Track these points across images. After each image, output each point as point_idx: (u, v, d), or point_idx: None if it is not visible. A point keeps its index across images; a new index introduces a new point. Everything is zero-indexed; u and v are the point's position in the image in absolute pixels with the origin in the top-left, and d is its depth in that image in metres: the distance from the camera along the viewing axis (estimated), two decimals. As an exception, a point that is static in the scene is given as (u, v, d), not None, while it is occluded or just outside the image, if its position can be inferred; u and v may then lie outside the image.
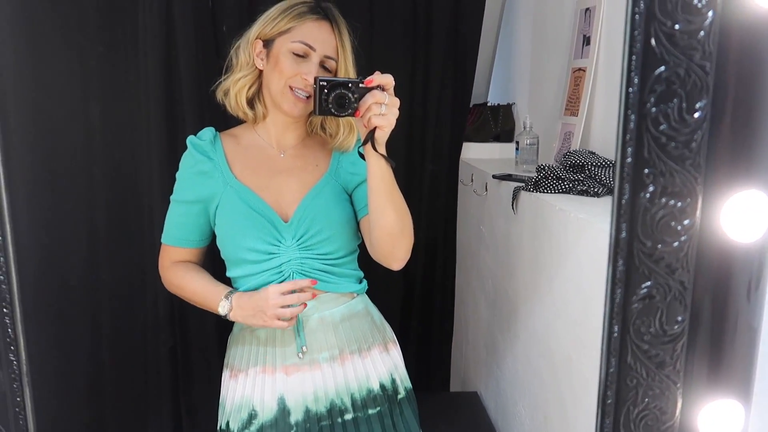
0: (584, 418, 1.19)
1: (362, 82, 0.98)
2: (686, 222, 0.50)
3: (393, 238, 1.08)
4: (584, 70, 1.66)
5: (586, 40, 1.66)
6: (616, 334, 0.53)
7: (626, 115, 0.49)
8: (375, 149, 1.00)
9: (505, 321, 1.70)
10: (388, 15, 2.02)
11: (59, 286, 2.07)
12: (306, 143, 1.22)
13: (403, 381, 1.25)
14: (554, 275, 1.34)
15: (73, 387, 2.19)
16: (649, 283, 0.52)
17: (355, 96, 0.98)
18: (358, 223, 1.19)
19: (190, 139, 1.18)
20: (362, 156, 1.04)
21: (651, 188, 0.50)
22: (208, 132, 1.19)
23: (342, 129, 1.18)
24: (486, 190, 1.88)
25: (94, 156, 1.94)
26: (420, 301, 2.29)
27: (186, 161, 1.18)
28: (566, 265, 1.27)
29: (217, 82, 1.20)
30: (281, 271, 1.14)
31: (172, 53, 1.84)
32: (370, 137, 1.00)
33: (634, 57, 0.46)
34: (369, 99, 0.97)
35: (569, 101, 1.75)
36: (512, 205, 1.60)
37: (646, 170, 0.50)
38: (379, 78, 0.98)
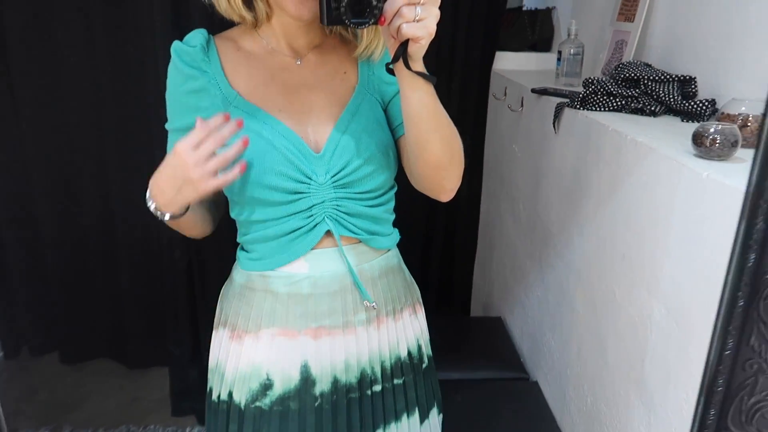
0: (626, 358, 1.10)
1: None
2: None
3: (440, 171, 0.86)
4: (645, -32, 1.44)
5: (651, -68, 1.43)
6: (739, 310, 0.41)
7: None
8: (409, 68, 0.75)
9: (537, 248, 1.59)
10: None
11: (73, 206, 2.04)
12: (326, 47, 0.96)
13: (427, 348, 1.09)
14: (600, 204, 1.21)
15: (92, 303, 2.19)
16: (794, 247, 0.39)
17: None
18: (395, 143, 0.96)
19: (175, 48, 0.90)
20: (391, 72, 0.78)
21: (821, 120, 0.36)
22: (197, 36, 0.91)
23: (367, 33, 0.93)
24: (522, 105, 1.71)
25: (98, 68, 1.81)
26: (443, 221, 2.18)
27: (172, 78, 0.91)
28: (616, 193, 1.14)
29: None
30: (311, 215, 0.90)
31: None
32: (402, 52, 0.74)
33: None
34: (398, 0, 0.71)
35: (624, 5, 1.54)
36: (554, 123, 1.44)
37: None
38: None
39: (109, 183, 2.02)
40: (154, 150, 1.92)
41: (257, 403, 0.94)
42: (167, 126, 0.94)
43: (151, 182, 0.84)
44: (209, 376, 1.02)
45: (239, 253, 1.00)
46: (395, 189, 1.00)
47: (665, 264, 0.97)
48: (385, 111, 0.96)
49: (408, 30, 0.71)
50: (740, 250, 0.41)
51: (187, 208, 0.87)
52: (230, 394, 0.96)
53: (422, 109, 0.79)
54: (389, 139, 0.94)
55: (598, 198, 1.22)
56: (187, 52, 0.89)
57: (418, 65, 0.76)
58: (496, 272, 1.99)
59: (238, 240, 0.99)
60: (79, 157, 1.99)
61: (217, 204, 1.01)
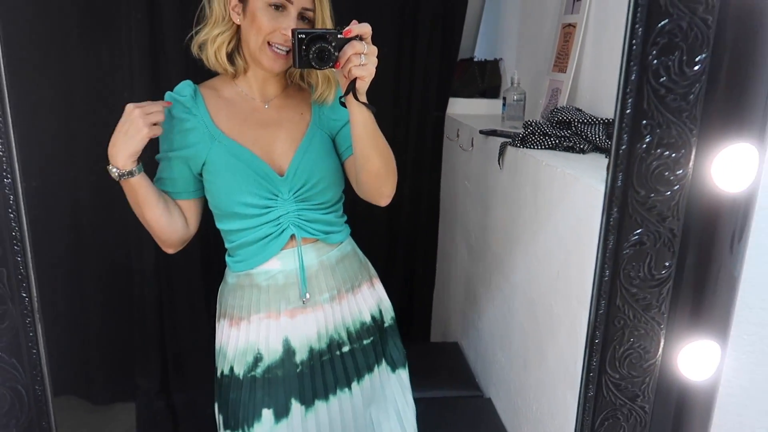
0: (562, 362, 1.24)
1: (341, 33, 0.97)
2: (679, 172, 0.53)
3: (379, 179, 1.12)
4: (574, 26, 1.66)
5: (578, -4, 1.66)
6: (606, 278, 0.56)
7: (628, 67, 0.50)
8: (356, 99, 1.01)
9: (488, 274, 1.74)
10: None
11: (38, 238, 2.07)
12: (288, 93, 1.21)
13: (389, 311, 1.33)
14: (538, 229, 1.37)
15: (59, 337, 2.22)
16: (640, 231, 0.55)
17: (335, 47, 0.97)
18: (342, 165, 1.22)
19: (169, 97, 1.14)
20: (343, 104, 1.04)
21: (648, 139, 0.52)
22: (186, 87, 1.15)
23: (321, 83, 1.17)
24: (472, 145, 1.90)
25: (77, 114, 1.92)
26: (402, 254, 2.32)
27: (166, 122, 1.13)
28: (550, 218, 1.31)
29: (189, 35, 1.15)
30: (279, 224, 1.15)
31: (156, 9, 1.80)
32: (351, 88, 0.99)
33: (639, 9, 0.48)
34: (348, 50, 0.96)
35: (558, 57, 1.75)
36: (498, 160, 1.62)
37: (644, 121, 0.51)
38: (357, 28, 0.98)
39: (76, 216, 2.07)
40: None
41: (252, 373, 1.16)
42: (158, 156, 1.16)
43: (109, 149, 1.04)
44: (216, 358, 1.24)
45: (228, 260, 1.22)
46: (343, 199, 1.25)
47: (590, 275, 1.13)
48: (334, 141, 1.22)
49: (355, 71, 0.97)
50: (603, 235, 0.56)
51: (139, 171, 1.05)
52: (231, 369, 1.18)
53: (365, 129, 1.05)
54: (336, 163, 1.20)
55: (536, 224, 1.39)
56: (179, 100, 1.13)
57: (363, 97, 1.01)
58: (453, 300, 2.14)
59: (226, 246, 1.21)
60: (48, 191, 2.01)
61: (182, 215, 1.17)
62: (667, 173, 0.53)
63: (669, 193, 0.53)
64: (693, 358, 0.59)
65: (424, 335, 2.38)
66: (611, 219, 0.54)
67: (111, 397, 2.32)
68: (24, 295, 0.48)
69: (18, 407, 0.55)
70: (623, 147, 0.53)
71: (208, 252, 1.95)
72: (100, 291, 2.18)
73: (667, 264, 0.55)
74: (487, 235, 1.75)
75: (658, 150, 0.52)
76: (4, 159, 0.53)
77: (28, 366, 0.53)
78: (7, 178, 0.53)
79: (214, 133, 1.12)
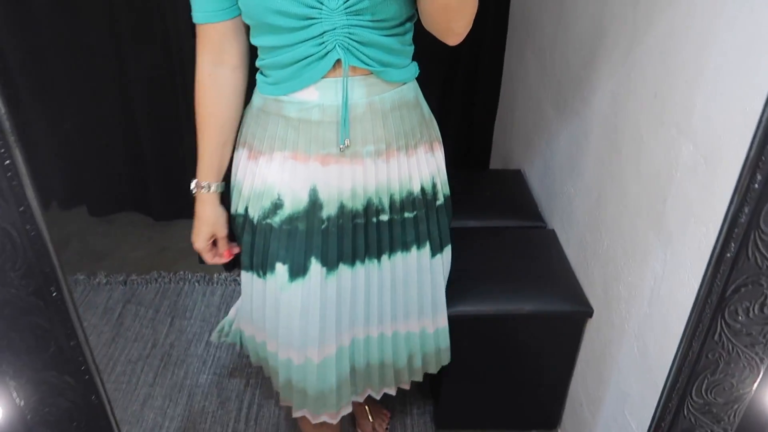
0: (646, 199, 1.10)
1: None
2: None
3: (449, 12, 0.84)
4: None
5: None
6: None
7: None
8: None
9: (562, 96, 1.54)
10: None
11: (92, 66, 2.02)
12: None
13: (443, 187, 1.13)
14: (635, 43, 1.15)
15: (115, 159, 2.24)
16: None
17: None
18: None
19: None
20: None
21: None
22: None
23: None
24: (555, -60, 1.58)
25: None
26: (464, 73, 2.11)
27: None
28: (653, 29, 1.08)
29: None
30: (323, 42, 0.90)
31: None
32: None
33: None
34: None
35: None
36: (589, -44, 1.33)
37: None
38: None
39: (122, 50, 2.00)
40: (166, 18, 1.88)
41: (268, 220, 1.02)
42: None
43: (197, 196, 1.09)
44: (231, 192, 1.08)
45: (258, 77, 1.01)
46: (414, 20, 0.96)
47: (698, 99, 0.93)
48: None
49: None
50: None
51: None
52: (246, 210, 1.05)
53: None
54: None
55: (633, 36, 1.15)
56: None
57: None
58: (517, 125, 1.96)
59: (257, 64, 1.00)
60: (93, 32, 2.00)
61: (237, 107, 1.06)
62: None
63: None
64: None
65: (483, 162, 2.24)
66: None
67: (172, 213, 2.38)
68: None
69: (11, 248, 0.47)
70: None
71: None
72: (153, 114, 2.16)
73: None
74: (566, 51, 1.52)
75: None
76: None
77: (12, 201, 0.43)
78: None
79: None
